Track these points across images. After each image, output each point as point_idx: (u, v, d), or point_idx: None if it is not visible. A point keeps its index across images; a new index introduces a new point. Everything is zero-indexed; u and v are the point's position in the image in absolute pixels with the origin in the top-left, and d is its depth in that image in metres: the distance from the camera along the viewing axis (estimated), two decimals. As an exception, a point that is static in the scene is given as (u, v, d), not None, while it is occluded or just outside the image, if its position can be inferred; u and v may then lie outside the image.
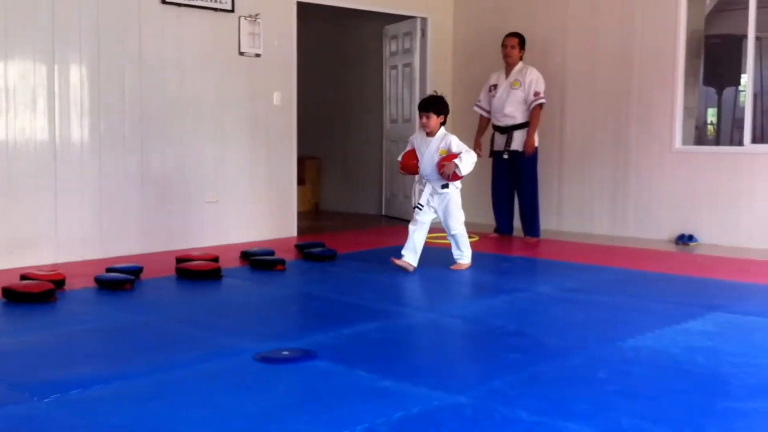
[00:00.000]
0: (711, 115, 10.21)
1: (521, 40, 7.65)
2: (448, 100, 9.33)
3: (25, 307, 4.69)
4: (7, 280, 5.17)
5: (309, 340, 3.91)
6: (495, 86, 7.76)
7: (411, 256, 5.98)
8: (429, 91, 9.05)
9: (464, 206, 9.33)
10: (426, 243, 7.42)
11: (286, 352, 3.67)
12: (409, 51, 9.26)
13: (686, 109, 7.71)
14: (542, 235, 7.72)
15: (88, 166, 6.44)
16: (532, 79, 7.53)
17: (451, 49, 9.31)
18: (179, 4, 6.85)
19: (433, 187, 5.99)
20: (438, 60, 9.17)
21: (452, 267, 6.07)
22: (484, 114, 7.85)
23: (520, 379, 3.34)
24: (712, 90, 9.58)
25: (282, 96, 7.72)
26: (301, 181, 9.76)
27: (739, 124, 7.79)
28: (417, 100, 9.10)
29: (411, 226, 6.07)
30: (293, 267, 6.13)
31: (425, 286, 5.63)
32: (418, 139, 6.10)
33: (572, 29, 8.23)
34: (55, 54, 6.21)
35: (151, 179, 6.81)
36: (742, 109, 7.66)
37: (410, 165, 6.06)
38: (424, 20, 9.04)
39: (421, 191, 6.07)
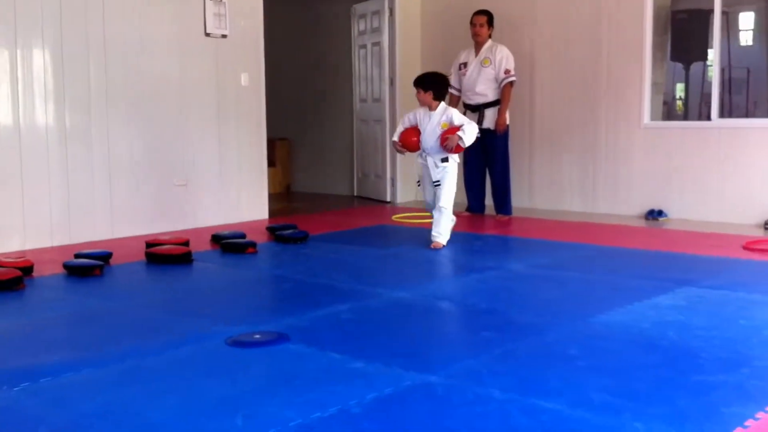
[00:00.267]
0: (680, 90, 10.28)
1: (489, 18, 7.63)
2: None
3: (-7, 295, 4.63)
4: (-27, 269, 5.09)
5: (281, 323, 3.90)
6: (465, 64, 7.74)
7: (442, 238, 6.12)
8: (398, 70, 9.05)
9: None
10: (401, 223, 7.46)
11: (257, 336, 3.65)
12: (377, 30, 9.21)
13: (654, 84, 7.74)
14: (514, 213, 7.73)
15: (54, 152, 6.35)
16: (502, 56, 7.52)
17: (419, 27, 9.27)
18: (143, -14, 6.77)
19: (433, 161, 6.10)
20: (407, 38, 9.14)
21: (431, 246, 6.06)
22: (455, 92, 7.83)
23: (492, 357, 3.35)
24: (680, 65, 9.63)
25: (250, 77, 7.65)
26: (271, 163, 9.71)
27: (707, 99, 7.85)
28: (387, 80, 9.10)
29: (428, 210, 6.36)
30: (265, 249, 6.10)
31: (398, 267, 5.63)
32: (420, 115, 6.21)
33: (541, 6, 8.22)
34: (17, 39, 6.10)
35: (118, 163, 6.74)
36: (710, 84, 7.70)
37: (412, 142, 6.21)
38: (392, -1, 9.00)
39: (423, 165, 6.23)
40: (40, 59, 6.25)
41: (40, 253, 6.02)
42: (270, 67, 8.06)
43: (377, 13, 9.19)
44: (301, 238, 6.37)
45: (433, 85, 6.12)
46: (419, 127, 6.16)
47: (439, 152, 6.08)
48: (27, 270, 5.12)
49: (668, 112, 9.34)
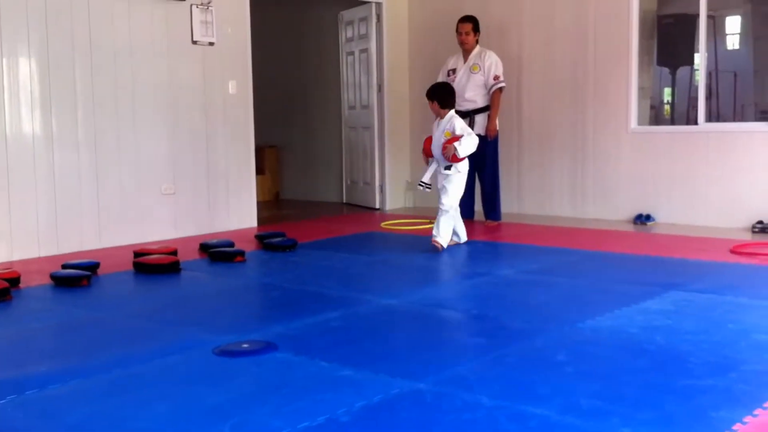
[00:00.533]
0: (668, 94, 10.32)
1: (475, 24, 7.63)
2: (405, 85, 9.43)
3: (-21, 306, 4.61)
4: (-41, 280, 5.06)
5: (269, 332, 3.88)
6: (453, 71, 7.74)
7: (455, 237, 6.46)
8: (387, 77, 9.07)
9: (424, 191, 9.36)
10: (390, 230, 7.45)
11: (246, 345, 3.64)
12: (365, 37, 9.22)
13: (641, 89, 7.77)
14: (503, 218, 7.74)
15: (41, 161, 6.33)
16: (491, 62, 7.53)
17: (407, 33, 9.29)
18: (130, -6, 6.76)
19: (440, 168, 6.38)
20: (395, 45, 9.15)
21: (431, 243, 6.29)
22: (443, 99, 7.83)
23: (481, 364, 3.34)
24: (666, 70, 9.67)
25: (238, 84, 7.65)
26: (260, 171, 9.70)
27: (694, 104, 7.88)
28: (375, 86, 9.11)
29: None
30: (253, 258, 6.08)
31: (387, 274, 5.62)
32: (435, 123, 6.49)
33: (527, 11, 8.25)
34: (3, 46, 6.08)
35: (105, 172, 6.72)
36: (697, 88, 7.73)
37: (426, 149, 6.52)
38: (379, 5, 9.01)
39: (435, 170, 6.48)
40: (26, 66, 6.23)
41: (27, 263, 5.99)
42: (258, 75, 8.05)
43: (365, 19, 9.19)
44: (290, 246, 6.35)
45: (437, 95, 6.38)
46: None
47: (443, 160, 6.29)
48: (14, 281, 5.09)
49: (656, 116, 9.37)
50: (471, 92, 7.55)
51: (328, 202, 10.14)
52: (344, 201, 9.95)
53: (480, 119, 7.55)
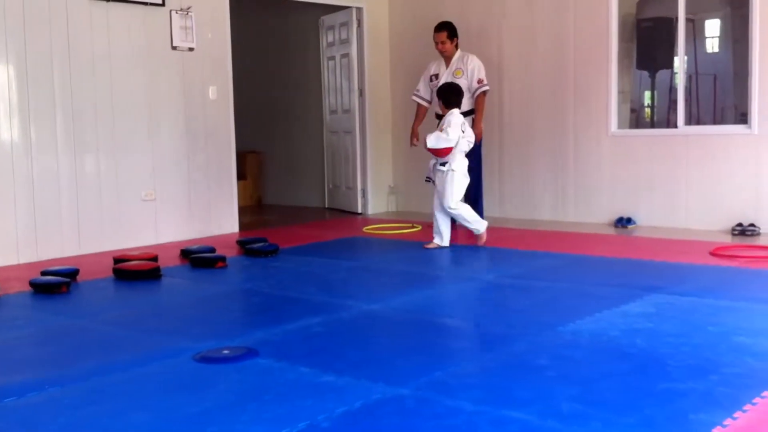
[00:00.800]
0: (648, 98, 10.37)
1: (450, 31, 7.56)
2: (387, 89, 9.43)
3: (-43, 314, 4.56)
4: (-63, 288, 5.02)
5: (250, 338, 3.87)
6: (436, 76, 7.72)
7: (437, 238, 6.59)
8: (368, 81, 9.06)
9: (406, 195, 9.38)
10: (372, 235, 7.44)
11: (226, 351, 3.62)
12: (346, 41, 9.21)
13: (621, 93, 7.80)
14: (485, 223, 7.74)
15: (19, 167, 6.28)
16: (474, 66, 7.51)
17: (387, 38, 9.29)
18: (108, 0, 6.73)
19: (436, 162, 6.58)
20: (375, 49, 9.15)
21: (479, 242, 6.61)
22: (423, 103, 7.83)
23: (462, 369, 3.34)
24: (646, 73, 9.71)
25: (218, 90, 7.62)
26: (242, 176, 9.67)
27: (674, 107, 7.91)
28: (356, 91, 9.10)
29: (433, 210, 6.67)
30: (235, 263, 6.06)
31: (368, 278, 5.61)
32: None
33: (507, 16, 8.27)
34: (-19, 53, 6.05)
35: (85, 178, 6.68)
36: (677, 92, 7.77)
37: None
38: (359, 10, 9.01)
39: (434, 165, 6.65)
40: (4, 73, 6.19)
41: (6, 270, 5.95)
42: (238, 80, 8.03)
43: (345, 24, 9.19)
44: (272, 251, 6.33)
45: (442, 94, 6.73)
46: None
47: (438, 156, 6.52)
48: (-8, 288, 5.06)
49: (636, 119, 9.41)
50: None
51: (310, 206, 10.12)
52: (326, 206, 9.93)
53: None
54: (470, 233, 7.21)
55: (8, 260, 6.23)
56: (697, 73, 10.14)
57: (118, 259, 5.87)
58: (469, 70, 7.49)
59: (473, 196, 7.67)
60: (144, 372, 3.41)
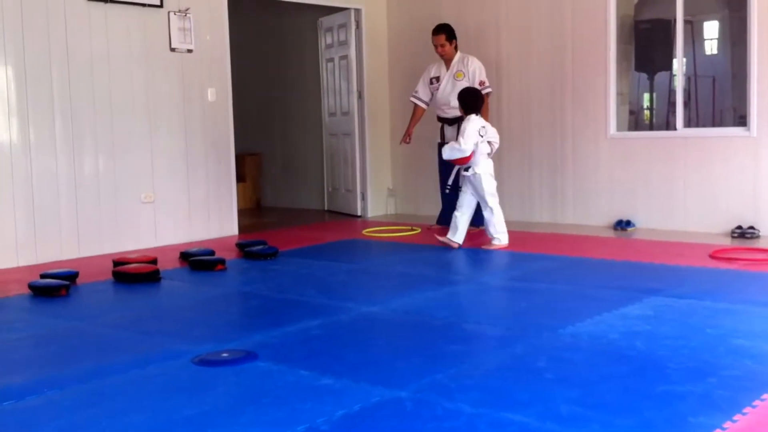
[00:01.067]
0: (647, 100, 10.37)
1: (448, 34, 7.56)
2: (386, 91, 9.43)
3: (-45, 317, 4.56)
4: (-65, 291, 5.02)
5: (249, 341, 3.87)
6: (437, 78, 7.72)
7: (452, 233, 6.72)
8: (366, 83, 9.06)
9: (405, 198, 9.37)
10: (371, 237, 7.44)
11: (225, 354, 3.62)
12: (344, 43, 9.21)
13: (619, 95, 7.79)
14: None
15: (18, 169, 6.28)
16: (474, 68, 7.51)
17: (386, 39, 9.29)
18: (106, 1, 6.71)
19: (460, 169, 6.79)
20: (374, 51, 9.15)
21: (485, 246, 6.66)
22: (421, 105, 7.84)
23: (461, 371, 3.34)
24: (645, 75, 9.71)
25: (217, 92, 7.62)
26: (241, 178, 9.67)
27: (673, 109, 7.91)
28: (355, 93, 9.10)
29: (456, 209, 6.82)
30: (234, 266, 6.06)
31: (367, 281, 5.61)
32: None
33: (504, 17, 8.26)
34: (-20, 55, 6.05)
35: (84, 181, 6.67)
36: (676, 94, 7.77)
37: None
38: (358, 11, 9.01)
39: (458, 171, 6.87)
40: (3, 74, 6.19)
41: (5, 273, 5.95)
42: (237, 82, 8.03)
43: (344, 26, 9.19)
44: (271, 254, 6.33)
45: (460, 99, 6.82)
46: None
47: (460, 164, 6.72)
48: (-9, 291, 5.06)
49: (636, 122, 9.41)
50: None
51: (309, 209, 10.12)
52: (326, 208, 9.93)
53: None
54: (468, 235, 7.22)
55: (7, 263, 6.22)
56: (695, 75, 10.14)
57: (118, 262, 5.87)
58: (470, 72, 7.49)
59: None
60: (143, 375, 3.41)
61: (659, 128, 9.55)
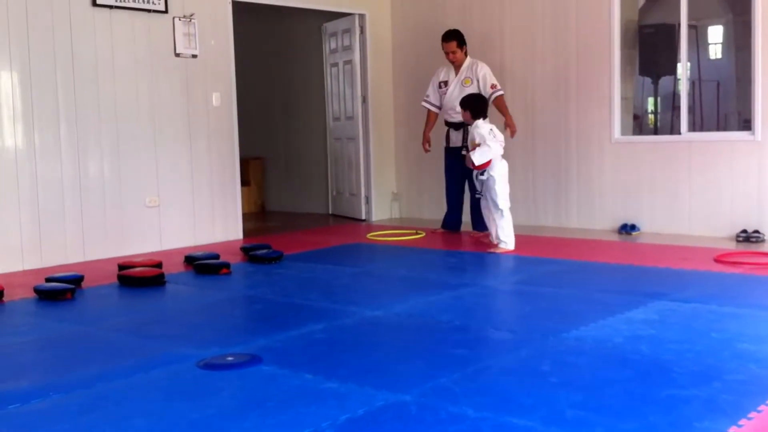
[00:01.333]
0: (651, 104, 10.36)
1: (459, 40, 7.59)
2: (390, 96, 9.43)
3: (-39, 321, 4.57)
4: (-59, 295, 5.03)
5: (254, 345, 3.87)
6: (445, 83, 7.73)
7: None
8: (371, 88, 9.08)
9: (410, 202, 9.37)
10: (375, 241, 7.45)
11: (230, 358, 3.62)
12: (349, 48, 9.22)
13: (623, 99, 7.79)
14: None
15: (23, 174, 6.30)
16: (484, 73, 7.52)
17: (390, 45, 9.30)
18: (111, 6, 6.73)
19: (475, 173, 6.86)
20: (378, 56, 9.16)
21: (491, 250, 6.66)
22: (433, 109, 7.85)
23: (465, 375, 3.33)
24: (649, 80, 9.70)
25: (221, 97, 7.63)
26: (245, 182, 9.68)
27: (678, 113, 7.90)
28: (359, 97, 9.11)
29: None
30: (238, 270, 6.06)
31: (372, 285, 5.61)
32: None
33: (509, 22, 8.27)
34: (-15, 60, 6.07)
35: (89, 185, 6.69)
36: (680, 98, 7.76)
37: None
38: (362, 17, 9.02)
39: (476, 176, 6.92)
40: (8, 80, 6.21)
41: (11, 276, 5.96)
42: (242, 87, 8.05)
43: (348, 31, 9.20)
44: (276, 257, 6.33)
45: (468, 105, 6.92)
46: None
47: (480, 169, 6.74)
48: (-3, 295, 5.07)
49: (640, 126, 9.40)
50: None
51: (313, 213, 10.12)
52: (330, 212, 9.94)
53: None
54: (469, 239, 7.24)
55: (13, 266, 6.24)
56: (700, 79, 10.14)
57: (123, 266, 5.88)
58: (480, 77, 7.51)
59: (479, 203, 7.64)
60: (148, 378, 3.41)
61: (664, 132, 9.54)
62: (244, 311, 5.02)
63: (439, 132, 7.91)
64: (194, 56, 7.36)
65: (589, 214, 7.89)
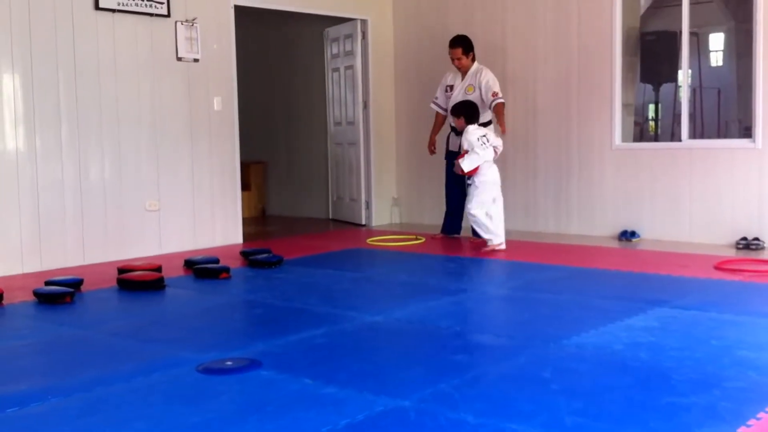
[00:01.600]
0: (652, 111, 10.37)
1: (465, 46, 7.58)
2: (391, 101, 9.44)
3: (-40, 324, 4.57)
4: (-59, 297, 5.03)
5: (253, 349, 3.87)
6: (451, 87, 7.74)
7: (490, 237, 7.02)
8: (372, 93, 9.08)
9: (410, 207, 9.37)
10: (375, 246, 7.44)
11: (229, 362, 3.62)
12: (350, 53, 9.23)
13: (625, 106, 7.80)
14: (488, 235, 7.73)
15: (24, 177, 6.30)
16: (487, 80, 7.51)
17: (392, 50, 9.30)
18: (113, 10, 6.74)
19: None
20: (380, 61, 9.17)
21: (485, 249, 6.92)
22: (441, 111, 7.85)
23: (464, 381, 3.33)
24: (650, 87, 9.72)
25: (223, 101, 7.63)
26: (246, 187, 9.68)
27: (678, 120, 7.91)
28: (360, 103, 9.11)
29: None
30: (238, 274, 6.06)
31: (372, 290, 5.61)
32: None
33: (511, 28, 8.28)
34: (-13, 63, 6.07)
35: (89, 188, 6.69)
36: (681, 105, 7.77)
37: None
38: (364, 22, 9.03)
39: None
40: (10, 83, 6.21)
41: (10, 280, 5.95)
42: (243, 91, 8.05)
43: (350, 36, 9.21)
44: (276, 262, 6.33)
45: (462, 112, 7.14)
46: None
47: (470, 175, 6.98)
48: (-4, 298, 5.06)
49: (641, 133, 9.41)
50: None
51: (314, 218, 10.12)
52: (330, 217, 9.94)
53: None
54: (469, 245, 7.24)
55: (12, 269, 6.23)
56: (701, 86, 10.16)
57: (122, 269, 5.88)
58: (483, 84, 7.49)
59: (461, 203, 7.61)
60: (147, 382, 3.41)
61: (664, 139, 9.57)
62: (243, 316, 5.02)
63: (438, 138, 7.92)
64: (196, 60, 7.36)
65: (590, 220, 7.89)
